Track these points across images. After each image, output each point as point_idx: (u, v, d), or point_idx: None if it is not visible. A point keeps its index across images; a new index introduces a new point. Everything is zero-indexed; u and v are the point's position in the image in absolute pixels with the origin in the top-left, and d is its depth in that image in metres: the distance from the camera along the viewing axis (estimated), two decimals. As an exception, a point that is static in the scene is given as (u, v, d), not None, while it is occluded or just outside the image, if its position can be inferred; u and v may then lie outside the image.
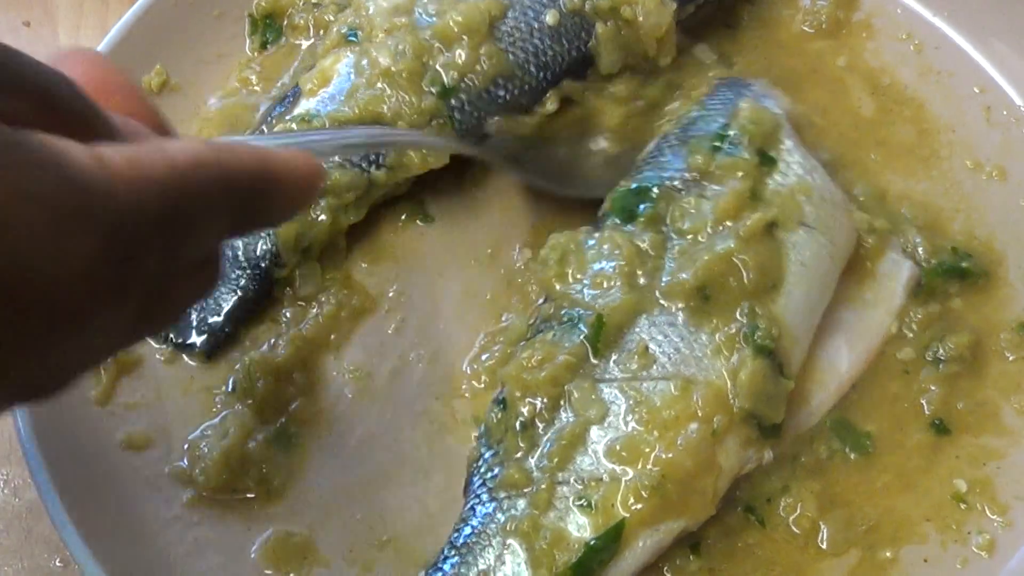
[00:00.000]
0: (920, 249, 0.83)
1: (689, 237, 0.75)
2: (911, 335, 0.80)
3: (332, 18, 0.94)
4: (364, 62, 0.85)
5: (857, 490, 0.76)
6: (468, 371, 0.81)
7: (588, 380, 0.72)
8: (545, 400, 0.71)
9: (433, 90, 0.83)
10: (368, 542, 0.75)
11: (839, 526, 0.74)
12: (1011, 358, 0.81)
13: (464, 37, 0.84)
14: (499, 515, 0.69)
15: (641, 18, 0.86)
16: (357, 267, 0.86)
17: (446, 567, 0.69)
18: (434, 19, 0.85)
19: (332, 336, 0.83)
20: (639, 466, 0.68)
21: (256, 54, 0.97)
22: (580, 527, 0.68)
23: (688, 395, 0.70)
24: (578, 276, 0.75)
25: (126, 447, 0.78)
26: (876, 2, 0.98)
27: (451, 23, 0.84)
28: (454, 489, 0.75)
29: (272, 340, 0.82)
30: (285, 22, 0.98)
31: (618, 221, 0.78)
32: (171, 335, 0.82)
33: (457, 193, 0.89)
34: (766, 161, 0.78)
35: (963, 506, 0.75)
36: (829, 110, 0.92)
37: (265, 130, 0.89)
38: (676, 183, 0.78)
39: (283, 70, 0.95)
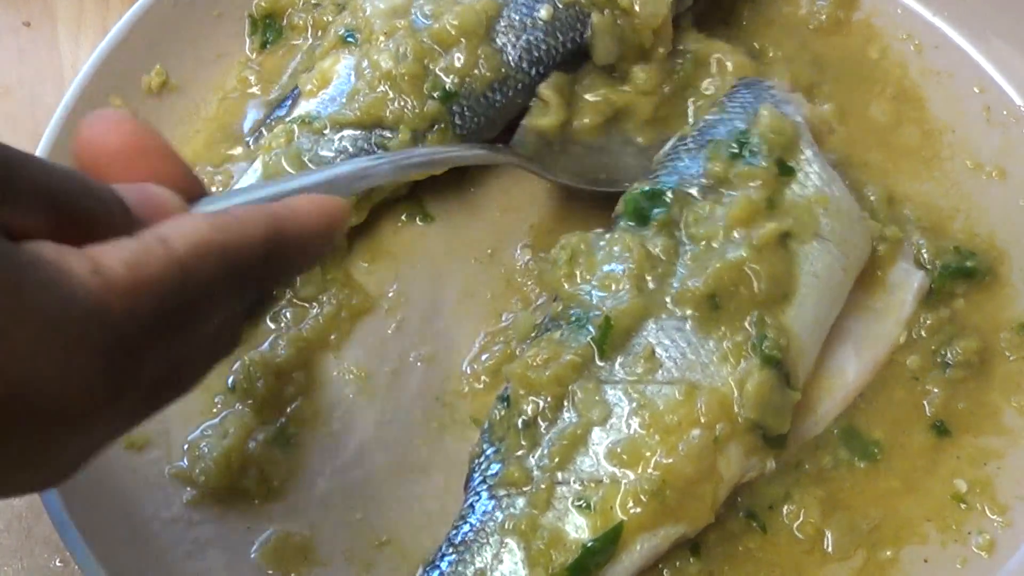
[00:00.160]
0: (924, 251, 0.83)
1: (702, 243, 0.74)
2: (920, 340, 0.80)
3: (331, 19, 0.94)
4: (365, 64, 0.85)
5: (860, 494, 0.76)
6: (468, 371, 0.81)
7: (593, 381, 0.71)
8: (549, 399, 0.71)
9: (435, 95, 0.83)
10: (368, 542, 0.76)
11: (843, 530, 0.74)
12: (1012, 358, 0.81)
13: (462, 40, 0.84)
14: (498, 513, 0.70)
15: (638, 7, 0.85)
16: (357, 267, 0.86)
17: (444, 565, 0.69)
18: (431, 21, 0.85)
19: (332, 336, 0.83)
20: (639, 470, 0.68)
21: (256, 54, 0.97)
22: (578, 528, 0.68)
23: (692, 401, 0.69)
24: (587, 277, 0.75)
25: (126, 447, 0.78)
26: (876, 2, 0.98)
27: (448, 27, 0.83)
28: (453, 489, 0.75)
29: (272, 340, 0.82)
30: (285, 22, 0.98)
31: (631, 223, 0.77)
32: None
33: (457, 193, 0.89)
34: (785, 171, 0.77)
35: (963, 506, 0.75)
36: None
37: (265, 132, 0.90)
38: (692, 188, 0.78)
39: (283, 70, 0.95)
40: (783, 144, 0.78)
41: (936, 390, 0.78)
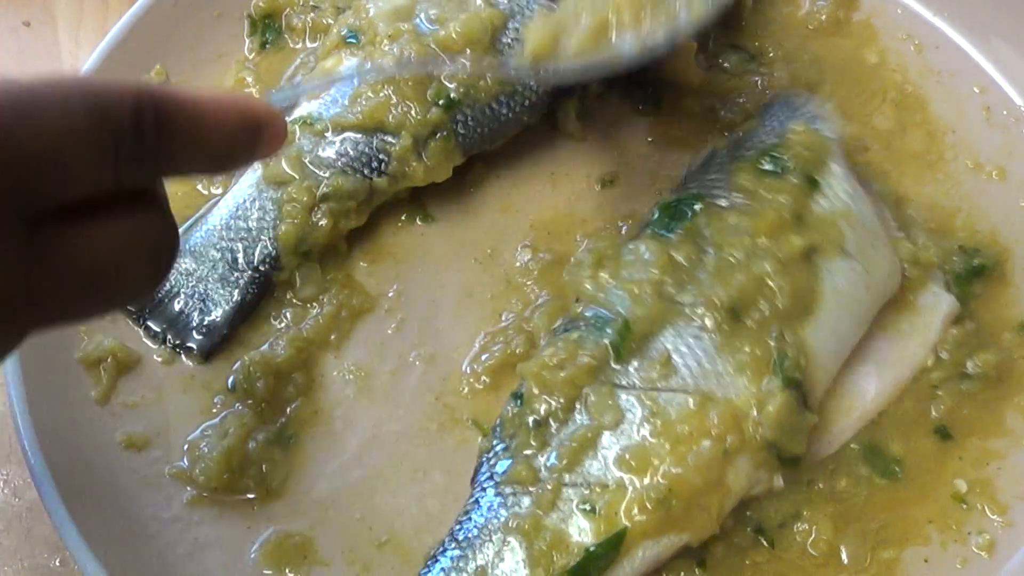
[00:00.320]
0: (935, 257, 0.82)
1: (727, 254, 0.74)
2: (946, 357, 0.79)
3: (331, 21, 0.94)
4: (368, 67, 0.85)
5: (872, 506, 0.75)
6: (468, 371, 0.81)
7: (607, 385, 0.72)
8: (562, 400, 0.72)
9: (440, 102, 0.83)
10: (368, 542, 0.75)
11: (857, 542, 0.73)
12: (1014, 358, 0.81)
13: (467, 49, 0.84)
14: (502, 511, 0.70)
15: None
16: (357, 267, 0.86)
17: (445, 559, 0.69)
18: (435, 26, 0.84)
19: (332, 336, 0.83)
20: (647, 477, 0.68)
21: (255, 55, 0.97)
22: (581, 531, 0.68)
23: (705, 412, 0.69)
24: (610, 280, 0.75)
25: (126, 447, 0.78)
26: (876, 2, 0.98)
27: (453, 34, 0.83)
28: (454, 489, 0.75)
29: (272, 340, 0.82)
30: (283, 23, 0.98)
31: (659, 231, 0.78)
32: (169, 336, 0.82)
33: (457, 193, 0.89)
34: (812, 185, 0.77)
35: (963, 506, 0.75)
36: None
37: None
38: (720, 200, 0.78)
39: (281, 71, 0.95)
40: (813, 160, 0.78)
41: (942, 393, 0.78)
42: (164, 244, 0.51)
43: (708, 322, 0.72)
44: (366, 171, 0.84)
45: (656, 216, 0.79)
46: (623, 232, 0.85)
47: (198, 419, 0.79)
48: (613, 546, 0.67)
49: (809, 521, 0.74)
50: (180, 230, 0.85)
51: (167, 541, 0.75)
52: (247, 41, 0.98)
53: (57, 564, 0.79)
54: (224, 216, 0.84)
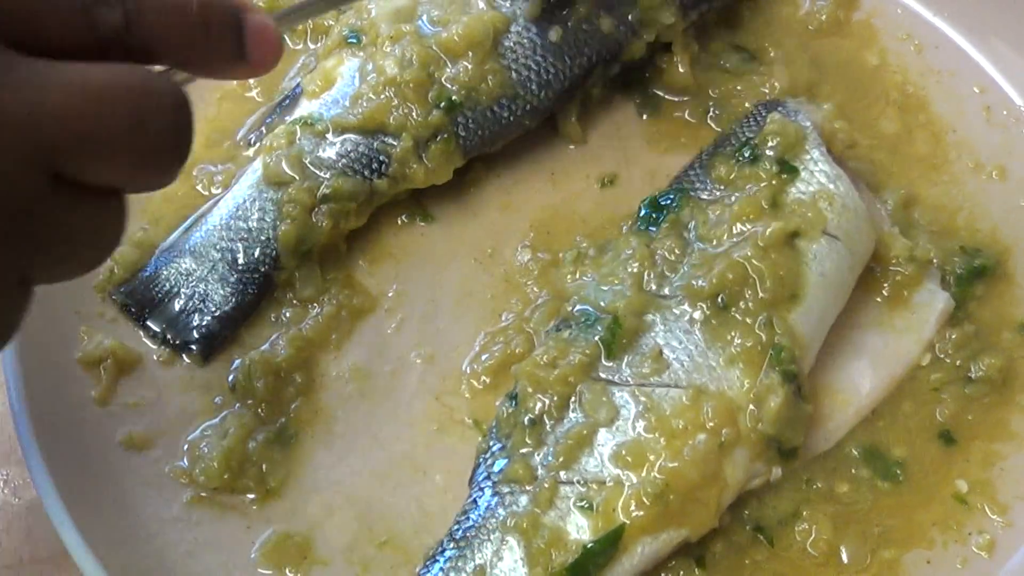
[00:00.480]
0: (933, 255, 0.82)
1: (709, 243, 0.75)
2: (946, 359, 0.79)
3: (332, 22, 0.94)
4: (369, 68, 0.85)
5: (873, 508, 0.75)
6: (468, 371, 0.81)
7: (600, 382, 0.72)
8: (556, 398, 0.72)
9: (441, 104, 0.83)
10: (367, 542, 0.75)
11: (857, 543, 0.73)
12: (1014, 358, 0.81)
13: (469, 52, 0.84)
14: (500, 510, 0.70)
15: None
16: (357, 267, 0.86)
17: (443, 559, 0.70)
18: (437, 28, 0.84)
19: (332, 336, 0.83)
20: (643, 473, 0.68)
21: (255, 55, 0.97)
22: (579, 528, 0.68)
23: (699, 406, 0.70)
24: (588, 276, 0.76)
25: (126, 447, 0.78)
26: (876, 2, 0.98)
27: (456, 36, 0.83)
28: (453, 489, 0.76)
29: (272, 340, 0.82)
30: (284, 24, 0.98)
31: (640, 227, 0.79)
32: (169, 336, 0.82)
33: (457, 193, 0.89)
34: (788, 170, 0.78)
35: (964, 506, 0.75)
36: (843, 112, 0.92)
37: (264, 131, 0.90)
38: (701, 193, 0.79)
39: (282, 71, 0.95)
40: (786, 145, 0.79)
41: (946, 396, 0.78)
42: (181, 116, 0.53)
43: (696, 314, 0.72)
44: (366, 172, 0.84)
45: (642, 213, 0.80)
46: (623, 232, 0.85)
47: (198, 419, 0.79)
48: (611, 542, 0.67)
49: (809, 521, 0.74)
50: (180, 230, 0.86)
51: (167, 541, 0.75)
52: (247, 42, 0.98)
53: (57, 564, 0.79)
54: (224, 216, 0.84)
